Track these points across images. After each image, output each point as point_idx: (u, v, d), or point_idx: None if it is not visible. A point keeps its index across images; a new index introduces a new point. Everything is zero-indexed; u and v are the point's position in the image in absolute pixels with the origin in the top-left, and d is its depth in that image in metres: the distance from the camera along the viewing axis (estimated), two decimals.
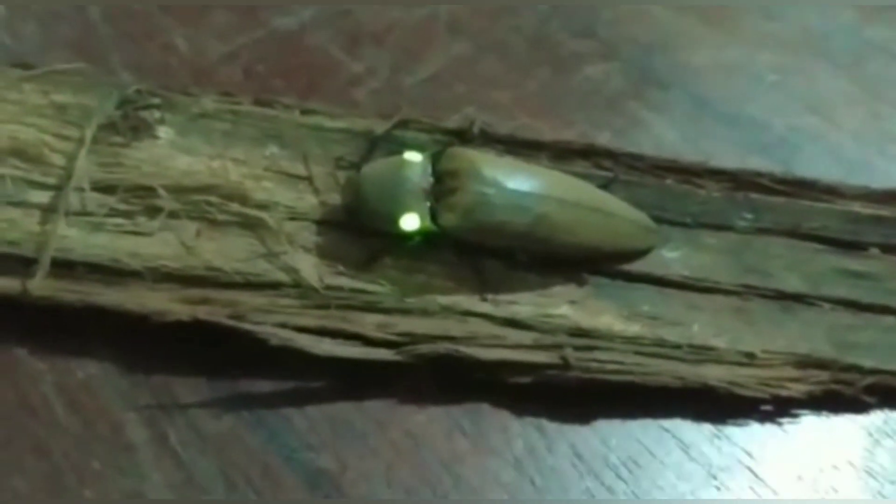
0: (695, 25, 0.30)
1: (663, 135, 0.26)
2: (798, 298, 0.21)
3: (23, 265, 0.18)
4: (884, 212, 0.22)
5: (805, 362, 0.20)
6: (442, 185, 0.19)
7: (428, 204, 0.19)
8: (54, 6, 0.27)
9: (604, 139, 0.24)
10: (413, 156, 0.20)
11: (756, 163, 0.24)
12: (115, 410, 0.18)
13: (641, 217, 0.21)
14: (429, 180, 0.19)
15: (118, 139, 0.20)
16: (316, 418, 0.18)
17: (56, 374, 0.18)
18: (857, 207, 0.22)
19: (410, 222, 0.19)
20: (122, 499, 0.17)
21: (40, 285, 0.18)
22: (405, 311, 0.19)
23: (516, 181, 0.19)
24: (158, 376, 0.18)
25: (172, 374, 0.18)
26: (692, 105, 0.27)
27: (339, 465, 0.18)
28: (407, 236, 0.19)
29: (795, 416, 0.20)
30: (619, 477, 0.18)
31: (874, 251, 0.22)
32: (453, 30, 0.28)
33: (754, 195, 0.22)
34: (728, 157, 0.24)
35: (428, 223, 0.19)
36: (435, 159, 0.20)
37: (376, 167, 0.19)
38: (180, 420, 0.18)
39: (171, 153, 0.20)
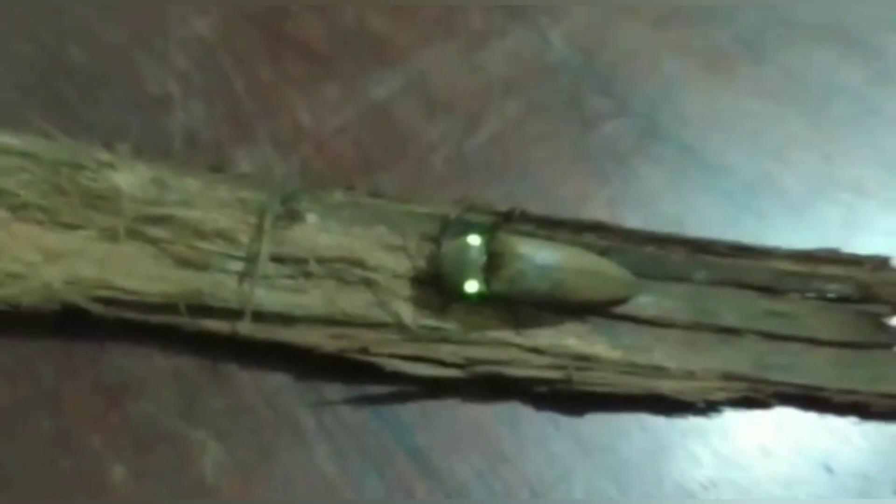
0: (697, 75, 0.37)
1: (653, 187, 0.34)
2: (733, 332, 0.31)
3: (227, 314, 0.30)
4: (802, 268, 0.32)
5: (729, 377, 0.30)
6: (492, 262, 0.30)
7: (483, 275, 0.30)
8: (213, 83, 0.36)
9: (608, 193, 0.33)
10: (474, 239, 0.30)
11: (721, 208, 0.33)
12: (294, 407, 0.29)
13: (626, 274, 0.31)
14: (483, 259, 0.30)
15: (281, 224, 0.31)
16: (414, 412, 0.29)
17: (257, 382, 0.30)
18: (784, 265, 0.32)
19: (471, 287, 0.30)
20: (299, 465, 0.28)
21: (245, 328, 0.29)
22: (467, 343, 0.30)
23: (541, 258, 0.30)
24: (318, 384, 0.29)
25: (326, 383, 0.29)
26: (681, 155, 0.34)
27: (429, 442, 0.29)
28: (469, 296, 0.30)
29: (720, 412, 0.31)
30: (605, 450, 0.29)
31: (793, 296, 0.32)
32: (505, 93, 0.36)
33: (708, 257, 0.32)
34: (702, 204, 0.33)
35: (483, 288, 0.30)
36: (488, 242, 0.30)
37: (450, 248, 0.30)
38: (331, 414, 0.29)
39: (315, 233, 0.31)
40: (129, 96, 0.35)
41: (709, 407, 0.29)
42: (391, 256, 0.30)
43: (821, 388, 0.29)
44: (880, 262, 0.31)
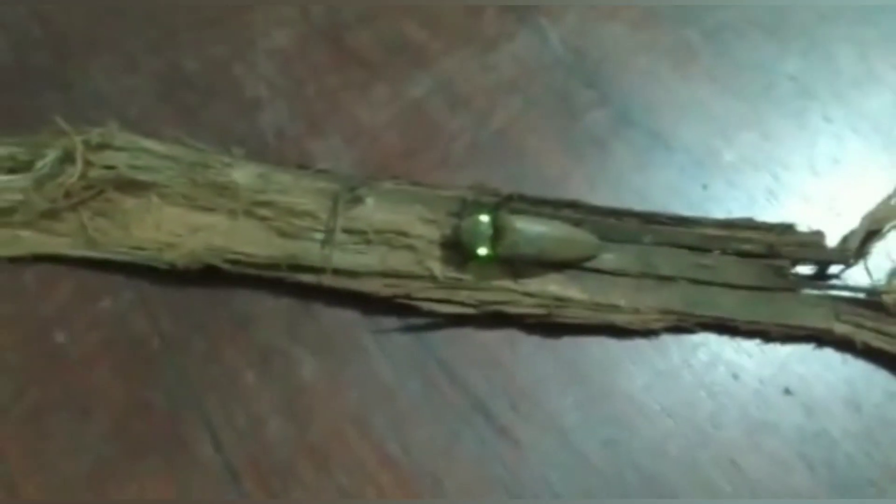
0: (665, 68, 0.47)
1: (623, 166, 0.45)
2: (669, 279, 0.44)
3: (314, 270, 0.43)
4: (724, 233, 0.45)
5: (665, 311, 0.43)
6: (497, 234, 0.43)
7: (490, 243, 0.43)
8: (291, 88, 0.48)
9: (585, 172, 0.45)
10: (484, 217, 0.42)
11: (676, 182, 0.44)
12: (362, 333, 0.42)
13: (593, 239, 0.43)
14: (490, 231, 0.43)
15: (348, 206, 0.45)
16: (443, 337, 0.42)
17: (336, 317, 0.43)
18: (710, 231, 0.45)
19: (482, 252, 0.42)
20: (366, 372, 0.43)
21: (326, 279, 0.44)
22: (479, 290, 0.43)
23: (531, 231, 0.43)
24: (378, 318, 0.42)
25: (383, 317, 0.42)
26: (648, 139, 0.45)
27: (452, 356, 0.43)
28: (481, 258, 0.43)
29: (657, 336, 0.44)
30: (574, 363, 0.42)
31: (716, 253, 0.45)
32: (511, 90, 0.49)
33: (654, 225, 0.44)
34: (662, 179, 0.44)
35: (490, 252, 0.42)
36: (494, 219, 0.44)
37: (467, 223, 0.43)
38: (386, 338, 0.44)
39: (372, 212, 0.43)
40: (232, 100, 0.46)
41: (649, 332, 0.42)
42: (426, 228, 0.42)
43: (732, 320, 0.41)
44: (785, 228, 0.42)
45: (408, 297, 0.40)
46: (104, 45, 0.47)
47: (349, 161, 0.44)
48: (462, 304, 0.41)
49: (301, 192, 0.41)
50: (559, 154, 0.44)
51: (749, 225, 0.42)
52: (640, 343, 0.41)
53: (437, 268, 0.41)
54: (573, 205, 0.42)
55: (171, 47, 0.47)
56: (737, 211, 0.43)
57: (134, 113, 0.45)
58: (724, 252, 0.42)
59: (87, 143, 0.41)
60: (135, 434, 0.38)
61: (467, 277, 0.41)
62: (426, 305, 0.40)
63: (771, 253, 0.41)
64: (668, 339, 0.41)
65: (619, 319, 0.40)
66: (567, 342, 0.41)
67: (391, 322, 0.41)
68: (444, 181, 0.43)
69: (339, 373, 0.40)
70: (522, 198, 0.42)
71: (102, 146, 0.41)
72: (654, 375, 0.40)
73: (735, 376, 0.40)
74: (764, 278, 0.41)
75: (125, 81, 0.46)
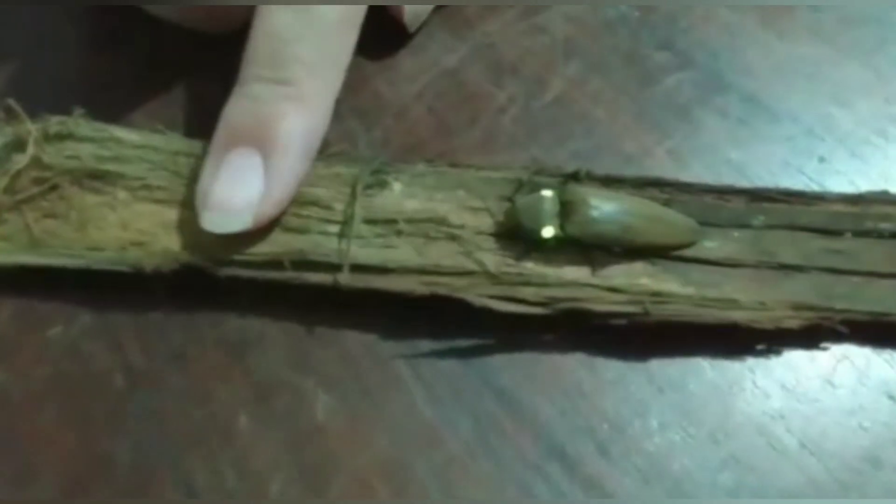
0: (755, 23, 0.37)
1: (715, 137, 0.33)
2: (795, 268, 0.33)
3: (327, 268, 0.33)
4: (855, 209, 0.34)
5: (798, 307, 0.32)
6: (565, 210, 0.33)
7: (558, 221, 0.33)
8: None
9: (669, 146, 0.35)
10: (547, 192, 0.33)
11: (783, 155, 0.34)
12: (389, 356, 0.31)
13: (690, 222, 0.33)
14: (557, 207, 0.33)
15: (371, 192, 0.35)
16: (500, 358, 0.30)
17: (357, 335, 0.32)
18: (837, 207, 0.34)
19: (548, 232, 0.32)
20: (400, 409, 0.31)
21: (344, 278, 0.33)
22: (548, 285, 0.32)
23: (609, 206, 0.33)
24: (412, 335, 0.30)
25: (419, 335, 0.30)
26: (742, 105, 0.34)
27: (515, 383, 0.32)
28: (547, 241, 0.33)
29: (782, 350, 0.32)
30: (677, 387, 0.31)
31: (848, 235, 0.34)
32: (568, 53, 0.37)
33: (765, 204, 0.34)
34: (765, 152, 0.33)
35: (559, 232, 0.33)
36: (560, 193, 0.33)
37: (526, 200, 0.33)
38: (424, 360, 0.31)
39: (402, 199, 0.34)
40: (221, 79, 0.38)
41: (773, 342, 0.31)
42: (472, 216, 0.32)
43: (887, 314, 0.31)
44: None
45: (454, 292, 0.31)
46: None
47: (371, 144, 0.36)
48: (527, 302, 0.31)
49: (310, 179, 0.31)
50: (634, 126, 0.36)
51: (884, 198, 0.33)
52: (761, 359, 0.31)
53: (491, 261, 0.32)
54: (658, 182, 0.33)
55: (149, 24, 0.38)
56: (864, 186, 0.34)
57: (104, 98, 0.36)
58: (857, 233, 0.32)
59: (44, 132, 0.32)
60: (93, 499, 0.28)
61: (530, 271, 0.32)
62: (479, 302, 0.30)
63: None
64: (797, 354, 0.31)
65: (740, 317, 0.30)
66: (664, 361, 0.31)
67: (430, 343, 0.31)
68: (491, 162, 0.34)
69: (363, 412, 0.30)
70: (592, 176, 0.33)
71: (62, 136, 0.32)
72: (785, 399, 0.30)
73: (893, 398, 0.30)
74: None
75: (94, 62, 0.37)
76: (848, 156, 0.34)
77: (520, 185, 0.33)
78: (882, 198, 0.33)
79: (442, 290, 0.30)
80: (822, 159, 0.33)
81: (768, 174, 0.34)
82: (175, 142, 0.33)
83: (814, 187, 0.34)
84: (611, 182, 0.33)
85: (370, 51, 0.37)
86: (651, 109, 0.35)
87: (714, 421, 0.28)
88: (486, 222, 0.32)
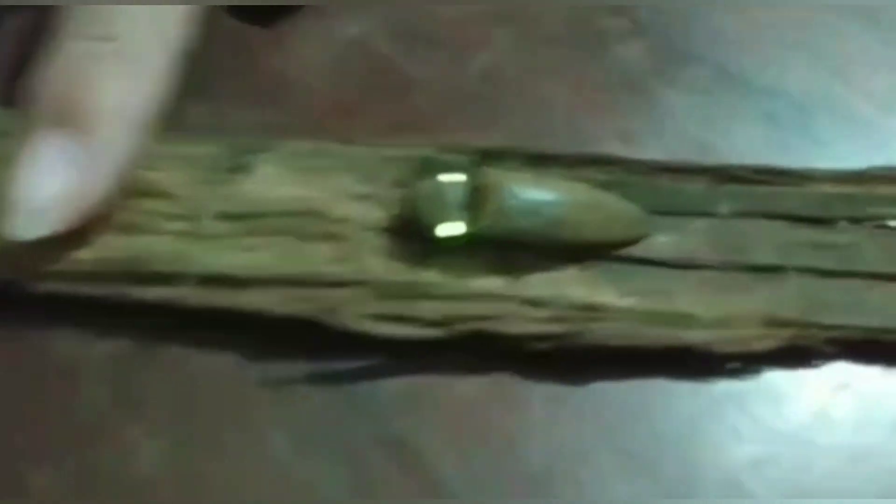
0: None
1: (679, 115, 0.29)
2: (772, 270, 0.26)
3: (167, 279, 0.25)
4: (851, 189, 0.27)
5: (772, 322, 0.25)
6: (476, 199, 0.25)
7: (466, 214, 0.25)
8: None
9: (622, 126, 0.28)
10: (453, 176, 0.26)
11: (765, 133, 0.28)
12: (246, 388, 0.24)
13: (635, 210, 0.26)
14: (466, 196, 0.25)
15: (229, 178, 0.27)
16: (390, 391, 0.24)
17: (202, 363, 0.25)
18: (827, 188, 0.27)
19: (451, 229, 0.25)
20: (255, 456, 0.23)
21: (188, 294, 0.25)
22: (450, 298, 0.25)
23: (532, 193, 0.25)
24: (273, 362, 0.24)
25: (283, 360, 0.24)
26: (711, 76, 0.30)
27: (410, 427, 0.24)
28: (449, 239, 0.25)
29: (761, 371, 0.25)
30: (621, 428, 0.24)
31: (842, 224, 0.27)
32: (499, 19, 0.31)
33: (733, 186, 0.27)
34: (741, 130, 0.28)
35: (464, 230, 0.25)
36: (471, 179, 0.26)
37: (426, 187, 0.26)
38: (291, 392, 0.24)
39: (270, 186, 0.26)
40: None
41: (749, 362, 0.24)
42: (359, 206, 0.26)
43: (890, 331, 0.24)
44: None
45: (327, 313, 0.24)
46: None
47: (250, 128, 0.29)
48: (422, 322, 0.24)
49: (147, 163, 0.25)
50: (580, 104, 0.29)
51: (892, 175, 0.26)
52: (734, 387, 0.24)
53: (379, 266, 0.25)
54: (597, 160, 0.27)
55: None
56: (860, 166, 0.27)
57: None
58: (854, 221, 0.26)
59: None
60: None
61: (430, 279, 0.25)
62: (357, 325, 0.24)
63: None
64: (779, 378, 0.25)
65: (695, 338, 0.24)
66: (603, 393, 0.24)
67: (301, 368, 0.24)
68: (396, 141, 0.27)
69: (205, 461, 0.23)
70: (516, 152, 0.27)
71: None
72: (766, 441, 0.24)
73: None
74: None
75: None
76: (846, 135, 0.28)
77: (424, 167, 0.26)
78: (888, 174, 0.26)
79: (308, 310, 0.24)
80: (809, 136, 0.28)
81: (745, 156, 0.28)
82: None
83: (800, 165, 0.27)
84: (538, 161, 0.26)
85: (256, 18, 0.31)
86: (601, 84, 0.29)
87: (670, 474, 0.23)
88: (377, 215, 0.26)
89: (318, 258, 0.25)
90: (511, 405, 0.23)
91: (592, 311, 0.24)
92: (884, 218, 0.26)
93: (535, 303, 0.24)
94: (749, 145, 0.28)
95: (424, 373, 0.24)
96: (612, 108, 0.29)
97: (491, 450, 0.23)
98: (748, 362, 0.24)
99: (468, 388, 0.24)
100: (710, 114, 0.28)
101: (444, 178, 0.25)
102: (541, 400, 0.23)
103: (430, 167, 0.26)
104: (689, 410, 0.24)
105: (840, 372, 0.24)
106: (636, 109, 0.29)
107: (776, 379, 0.24)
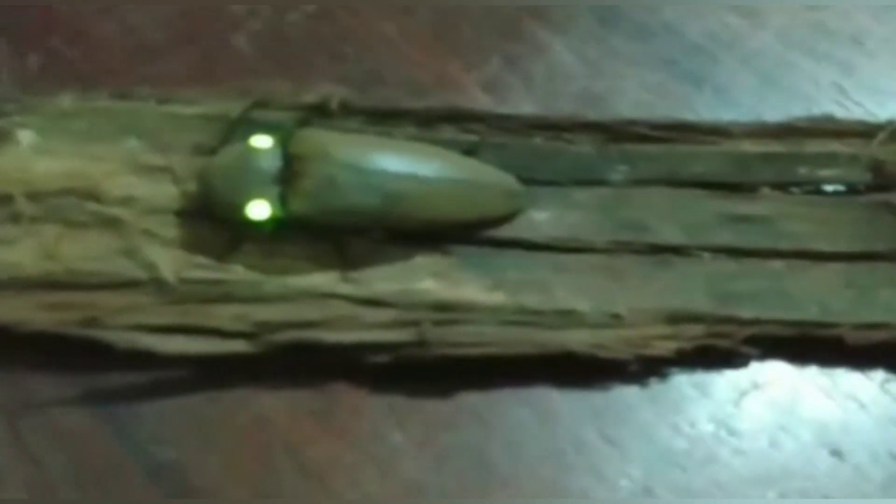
0: None
1: (560, 58, 0.24)
2: (675, 251, 0.20)
3: None
4: (776, 147, 0.21)
5: (676, 317, 0.19)
6: (291, 170, 0.19)
7: (277, 190, 0.19)
8: None
9: (491, 69, 0.23)
10: (262, 140, 0.19)
11: (661, 82, 0.23)
12: None
13: (506, 180, 0.20)
14: (278, 165, 0.19)
15: None
16: (166, 412, 0.19)
17: None
18: (746, 146, 0.21)
19: (259, 210, 0.19)
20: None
21: None
22: (262, 300, 0.19)
23: (366, 160, 0.19)
24: (21, 381, 0.19)
25: (30, 374, 0.19)
26: (597, 16, 0.25)
27: (182, 456, 0.18)
28: (261, 224, 0.19)
29: (665, 377, 0.19)
30: (477, 456, 0.18)
31: (764, 191, 0.21)
32: None
33: (629, 146, 0.21)
34: (629, 80, 0.23)
35: (277, 210, 0.19)
36: (286, 142, 0.19)
37: (224, 155, 0.19)
38: (38, 421, 0.19)
39: (31, 157, 0.20)
40: None
41: (645, 370, 0.19)
42: (146, 182, 0.21)
43: (824, 325, 0.19)
44: None
45: (93, 325, 0.19)
46: None
47: (20, 78, 0.23)
48: (221, 333, 0.19)
49: None
50: (433, 47, 0.24)
51: (826, 128, 0.22)
52: (623, 398, 0.19)
53: (167, 261, 0.19)
54: (458, 116, 0.22)
55: None
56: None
57: None
58: (779, 186, 0.21)
59: None
60: None
61: (234, 277, 0.20)
62: (129, 344, 0.18)
63: (880, 181, 0.21)
64: (683, 384, 0.20)
65: (577, 341, 0.19)
66: (458, 411, 0.19)
67: (53, 388, 0.19)
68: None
69: None
70: (352, 108, 0.22)
71: None
72: (664, 460, 0.19)
73: (838, 454, 0.19)
74: (873, 233, 0.21)
75: None
76: (756, 82, 0.24)
77: (230, 129, 0.21)
78: (822, 127, 0.22)
79: (75, 319, 0.18)
80: (717, 87, 0.23)
81: (636, 112, 0.23)
82: None
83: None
84: (380, 119, 0.21)
85: None
86: (461, 24, 0.24)
87: None
88: (169, 193, 0.20)
89: (90, 252, 0.19)
90: (334, 430, 0.19)
91: (449, 310, 0.19)
92: (816, 182, 0.20)
93: (374, 302, 0.19)
94: (644, 96, 0.23)
95: (217, 391, 0.19)
96: (475, 52, 0.24)
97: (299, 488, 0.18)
98: (653, 364, 0.19)
99: (277, 406, 0.19)
100: (596, 60, 0.24)
101: (256, 142, 0.18)
102: (372, 424, 0.19)
103: (241, 129, 0.19)
104: (565, 429, 0.19)
105: (757, 372, 0.20)
106: (504, 53, 0.24)
107: (680, 385, 0.19)
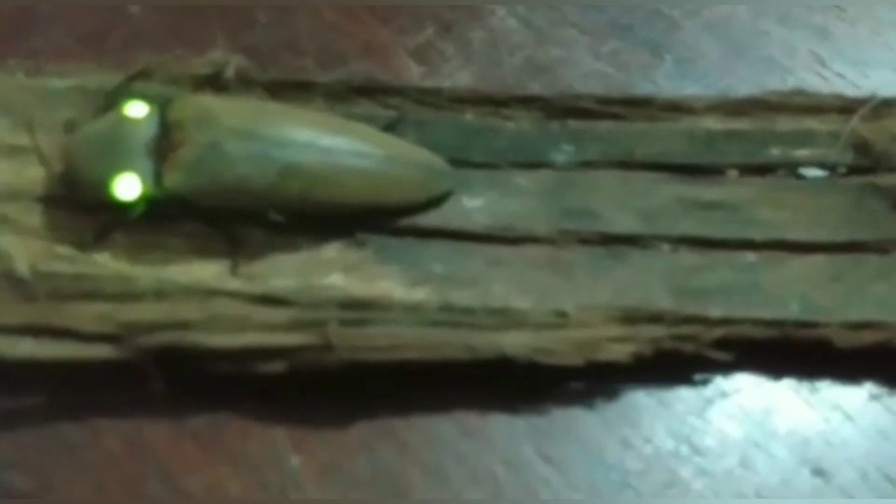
0: None
1: (499, 25, 0.21)
2: (629, 241, 0.17)
3: None
4: (744, 125, 0.18)
5: (633, 317, 0.16)
6: (168, 140, 0.16)
7: (151, 163, 0.16)
8: None
9: (424, 35, 0.21)
10: (135, 109, 0.16)
11: (614, 52, 0.21)
12: None
13: (430, 159, 0.18)
14: (153, 136, 0.16)
15: None
16: (23, 433, 0.15)
17: None
18: (710, 123, 0.19)
19: (127, 187, 0.16)
20: None
21: None
22: (133, 298, 0.16)
23: (259, 126, 0.16)
24: None
25: None
26: None
27: (43, 484, 0.15)
28: (131, 205, 0.16)
29: (615, 386, 0.16)
30: (380, 477, 0.15)
31: (732, 174, 0.18)
32: None
33: (574, 123, 0.18)
34: (579, 48, 0.21)
35: (149, 187, 0.16)
36: (163, 111, 0.16)
37: (91, 127, 0.16)
38: None
39: None
40: None
41: (597, 376, 0.16)
42: (8, 164, 0.18)
43: (807, 325, 0.16)
44: (883, 103, 0.19)
45: None
46: None
47: None
48: (79, 336, 0.16)
49: None
50: (361, 14, 0.21)
51: (801, 103, 0.19)
52: (569, 411, 0.16)
53: (21, 251, 0.16)
54: (378, 89, 0.19)
55: None
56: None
57: None
58: (747, 170, 0.19)
59: None
60: None
61: (101, 270, 0.16)
62: None
63: (864, 162, 0.18)
64: (639, 396, 0.17)
65: (515, 345, 0.16)
66: (369, 435, 0.16)
67: None
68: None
69: None
70: (250, 79, 0.19)
71: None
72: (608, 477, 0.16)
73: (820, 473, 0.16)
74: (859, 219, 0.18)
75: None
76: (722, 51, 0.21)
77: (108, 104, 0.18)
78: (797, 102, 0.19)
79: None
80: (678, 58, 0.21)
81: (588, 84, 0.20)
82: None
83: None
84: (287, 91, 0.18)
85: None
86: None
87: None
88: (32, 176, 0.17)
89: None
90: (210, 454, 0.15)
91: (362, 309, 0.16)
92: (791, 163, 0.17)
93: (269, 300, 0.16)
94: (596, 66, 0.20)
95: (78, 406, 0.16)
96: (406, 17, 0.21)
97: None
98: (596, 377, 0.16)
99: (142, 428, 0.16)
100: (543, 26, 0.21)
101: (129, 111, 0.15)
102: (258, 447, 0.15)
103: (118, 103, 0.16)
104: (508, 446, 0.16)
105: (728, 383, 0.17)
106: (438, 19, 0.21)
107: (633, 393, 0.16)
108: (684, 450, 0.16)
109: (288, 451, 0.15)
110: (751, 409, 0.16)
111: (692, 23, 0.21)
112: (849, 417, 0.16)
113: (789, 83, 0.20)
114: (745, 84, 0.20)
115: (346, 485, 0.15)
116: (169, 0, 0.21)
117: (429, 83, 0.19)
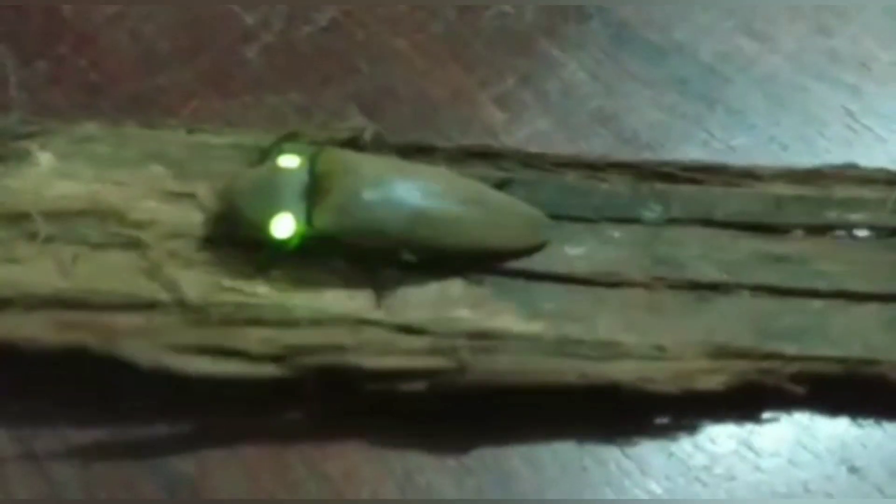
0: None
1: (573, 77, 0.24)
2: (713, 287, 0.20)
3: None
4: (807, 191, 0.21)
5: (721, 352, 0.19)
6: (316, 187, 0.18)
7: (303, 206, 0.18)
8: None
9: (505, 86, 0.23)
10: (289, 160, 0.19)
11: (673, 103, 0.23)
12: None
13: (533, 213, 0.20)
14: (304, 183, 0.18)
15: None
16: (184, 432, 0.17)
17: None
18: (778, 189, 0.21)
19: (283, 226, 0.18)
20: None
21: None
22: (292, 324, 0.18)
23: (392, 178, 0.19)
24: (29, 394, 0.18)
25: (44, 392, 0.18)
26: (610, 35, 0.25)
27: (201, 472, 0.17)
28: (286, 241, 0.18)
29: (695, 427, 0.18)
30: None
31: (798, 233, 0.21)
32: None
33: (661, 185, 0.21)
34: (642, 99, 0.23)
35: (302, 226, 0.18)
36: (313, 163, 0.19)
37: (250, 175, 0.19)
38: (49, 435, 0.17)
39: (49, 179, 0.19)
40: None
41: (688, 405, 0.18)
42: (171, 207, 0.20)
43: (869, 362, 0.18)
44: None
45: (109, 342, 0.17)
46: None
47: (24, 85, 0.23)
48: (248, 356, 0.17)
49: None
50: (448, 63, 0.24)
51: (852, 175, 0.21)
52: (647, 450, 0.18)
53: (192, 283, 0.18)
54: (488, 153, 0.21)
55: None
56: (791, 144, 0.23)
57: None
58: (812, 230, 0.21)
59: None
60: None
61: (262, 301, 0.19)
62: (153, 363, 0.17)
63: None
64: (724, 433, 0.19)
65: (624, 373, 0.18)
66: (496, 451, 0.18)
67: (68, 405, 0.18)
68: (222, 111, 0.22)
69: None
70: (383, 142, 0.21)
71: None
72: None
73: (856, 471, 0.18)
74: None
75: None
76: (768, 104, 0.24)
77: (262, 159, 0.20)
78: (850, 174, 0.21)
79: (89, 339, 0.17)
80: (729, 109, 0.23)
81: (650, 132, 0.23)
82: None
83: (718, 147, 0.23)
84: (417, 152, 0.21)
85: None
86: (474, 41, 0.24)
87: None
88: (193, 218, 0.20)
89: (111, 272, 0.18)
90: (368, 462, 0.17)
91: (487, 338, 0.18)
92: (847, 225, 0.19)
93: (409, 328, 0.18)
94: (657, 116, 0.23)
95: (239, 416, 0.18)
96: (488, 69, 0.24)
97: None
98: (682, 409, 0.18)
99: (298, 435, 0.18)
100: (609, 79, 0.24)
101: (283, 162, 0.18)
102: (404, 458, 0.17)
103: (268, 154, 0.19)
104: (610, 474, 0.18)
105: (798, 420, 0.19)
106: (518, 71, 0.24)
107: (717, 432, 0.19)
108: (743, 449, 0.18)
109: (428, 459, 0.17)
110: (798, 417, 0.18)
111: (742, 78, 0.24)
112: (879, 424, 0.18)
113: (825, 133, 0.22)
114: (787, 134, 0.22)
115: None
116: (280, 46, 0.23)
117: (512, 129, 0.22)
